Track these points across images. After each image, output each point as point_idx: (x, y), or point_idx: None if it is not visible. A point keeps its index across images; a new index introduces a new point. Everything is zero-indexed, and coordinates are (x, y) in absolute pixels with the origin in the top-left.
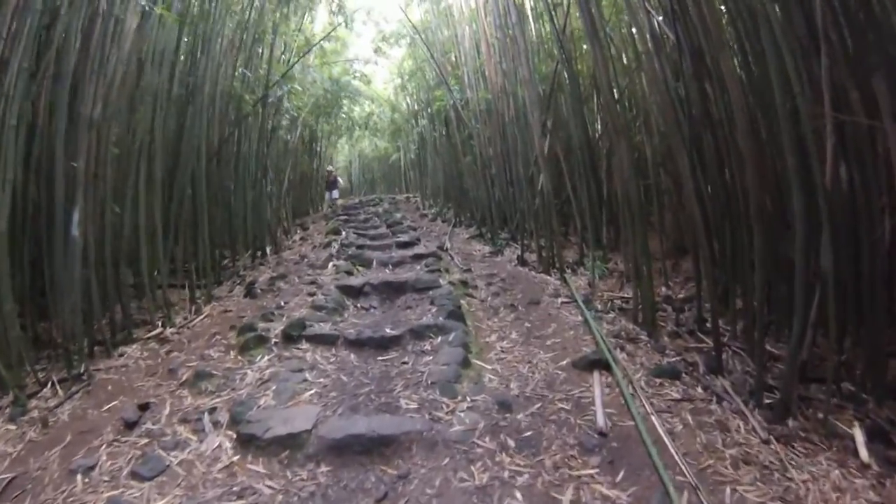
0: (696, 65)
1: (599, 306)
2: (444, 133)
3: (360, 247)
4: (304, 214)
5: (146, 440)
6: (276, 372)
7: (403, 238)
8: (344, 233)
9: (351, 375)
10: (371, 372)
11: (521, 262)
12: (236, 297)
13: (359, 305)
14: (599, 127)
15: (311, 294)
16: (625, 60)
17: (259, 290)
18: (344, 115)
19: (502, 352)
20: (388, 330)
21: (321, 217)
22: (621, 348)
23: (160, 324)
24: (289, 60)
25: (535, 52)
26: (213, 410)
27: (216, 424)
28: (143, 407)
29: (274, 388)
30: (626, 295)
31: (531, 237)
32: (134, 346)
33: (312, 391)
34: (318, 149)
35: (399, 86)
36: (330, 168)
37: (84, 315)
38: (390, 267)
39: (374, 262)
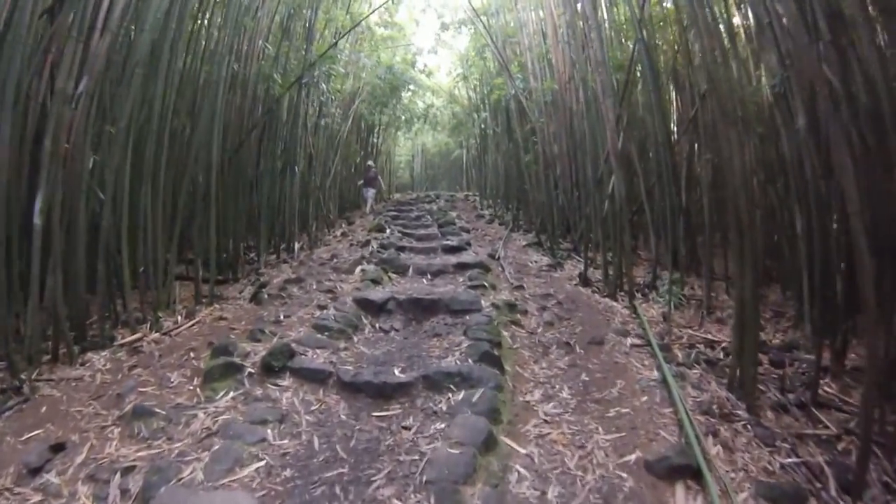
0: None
1: (679, 354)
2: (505, 127)
3: (400, 248)
4: (356, 207)
5: (38, 498)
6: (230, 421)
7: (452, 241)
8: (388, 230)
9: (327, 441)
10: (356, 438)
11: (584, 280)
12: (242, 301)
13: (377, 326)
14: (675, 127)
15: (323, 307)
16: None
17: (267, 296)
18: (402, 107)
19: (545, 422)
20: (396, 372)
21: (372, 212)
22: (714, 434)
23: (149, 326)
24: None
25: (607, 41)
26: (129, 471)
27: (124, 495)
28: (57, 448)
29: (216, 447)
30: (709, 336)
31: (596, 250)
32: (103, 354)
33: (262, 464)
34: (375, 140)
35: (460, 76)
36: (370, 163)
37: (51, 313)
38: (428, 277)
39: (411, 270)
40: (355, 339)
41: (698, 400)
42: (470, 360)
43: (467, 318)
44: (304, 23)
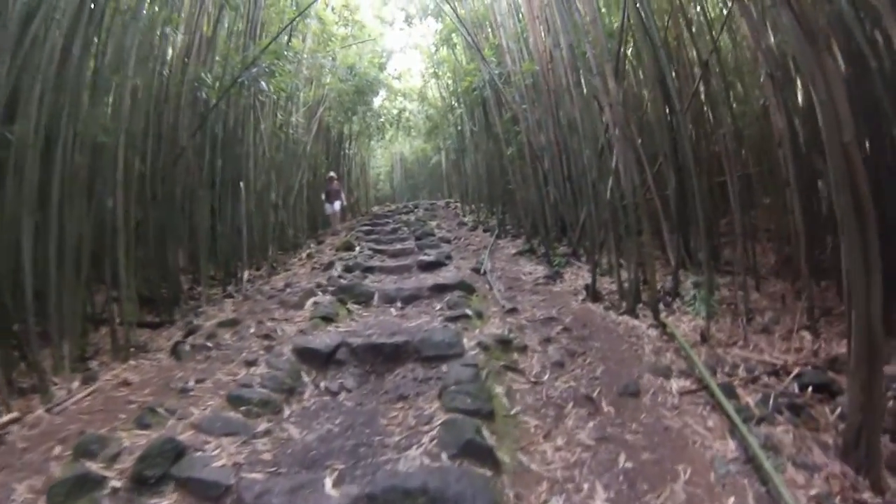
0: None
1: (748, 398)
2: (482, 123)
3: (367, 270)
4: (329, 225)
5: None
6: None
7: (430, 256)
8: (358, 248)
9: None
10: None
11: (592, 294)
12: (163, 355)
13: (322, 387)
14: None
15: (251, 362)
16: None
17: (189, 347)
18: (373, 113)
19: None
20: (327, 486)
21: (346, 227)
22: None
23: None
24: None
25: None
26: None
27: None
28: None
29: None
30: (766, 357)
31: (600, 252)
32: None
33: None
34: (346, 151)
35: (430, 73)
36: (331, 174)
37: None
38: (398, 305)
39: (376, 297)
40: (286, 411)
41: (812, 493)
42: (445, 456)
43: (444, 368)
44: (245, 20)
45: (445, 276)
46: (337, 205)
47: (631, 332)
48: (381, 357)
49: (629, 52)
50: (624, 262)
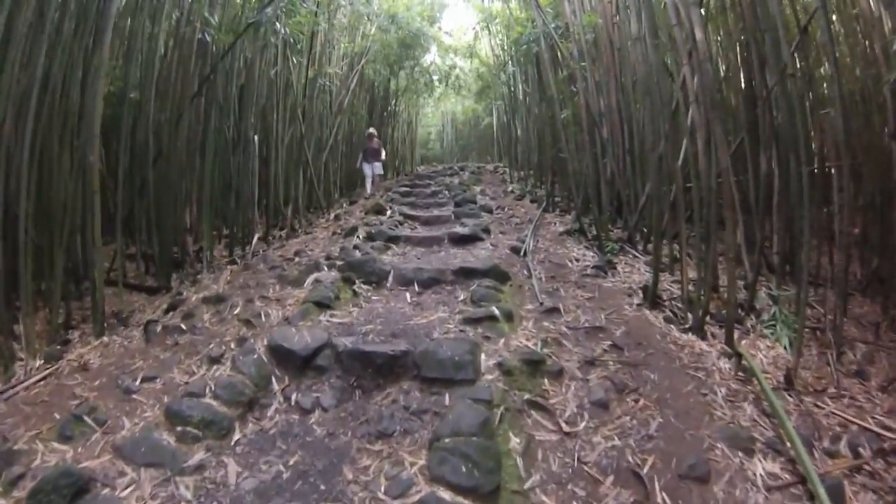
0: None
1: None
2: (535, 83)
3: (392, 239)
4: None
5: None
6: None
7: (465, 228)
8: (389, 212)
9: None
10: None
11: (651, 298)
12: (138, 332)
13: (292, 401)
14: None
15: (216, 359)
16: None
17: (160, 328)
18: (421, 69)
19: None
20: None
21: (384, 188)
22: None
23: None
24: None
25: None
26: None
27: None
28: None
29: None
30: (870, 423)
31: (659, 241)
32: None
33: None
34: (393, 108)
35: (481, 25)
36: (371, 130)
37: None
38: (414, 290)
39: (391, 278)
40: (236, 435)
41: None
42: None
43: (447, 399)
44: None
45: (479, 254)
46: (378, 166)
47: (698, 360)
48: (372, 369)
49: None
50: (692, 260)
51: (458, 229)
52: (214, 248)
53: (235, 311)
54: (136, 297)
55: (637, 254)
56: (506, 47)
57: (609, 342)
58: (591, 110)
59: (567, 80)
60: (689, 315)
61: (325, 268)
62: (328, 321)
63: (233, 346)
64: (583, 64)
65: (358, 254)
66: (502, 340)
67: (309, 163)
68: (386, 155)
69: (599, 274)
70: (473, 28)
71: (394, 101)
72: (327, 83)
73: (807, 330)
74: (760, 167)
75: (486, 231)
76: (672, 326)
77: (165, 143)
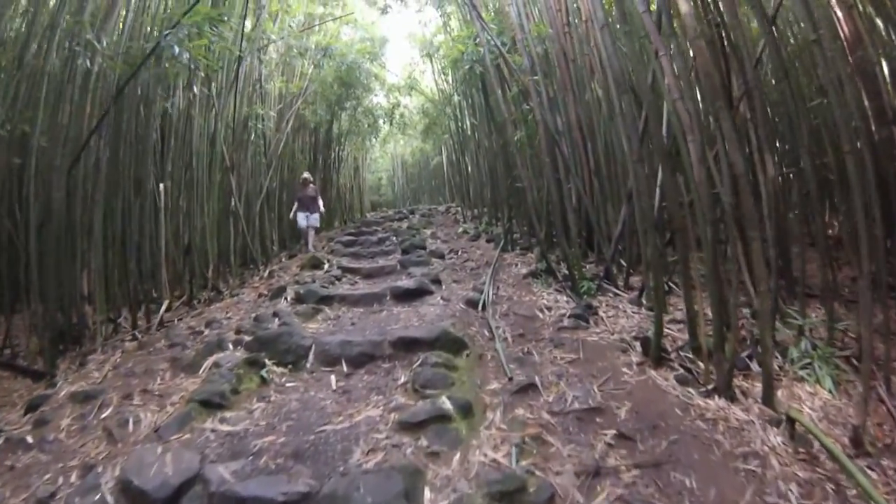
0: None
1: None
2: (482, 108)
3: (324, 300)
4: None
5: None
6: None
7: (411, 280)
8: (327, 265)
9: None
10: None
11: (655, 353)
12: None
13: None
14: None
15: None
16: None
17: (2, 441)
18: (364, 109)
19: None
20: None
21: (325, 238)
22: None
23: None
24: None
25: None
26: None
27: None
28: None
29: None
30: None
31: (646, 273)
32: None
33: None
34: (337, 152)
35: (423, 55)
36: (306, 175)
37: None
38: (341, 372)
39: (311, 356)
40: None
41: None
42: None
43: None
44: None
45: (427, 313)
46: (314, 218)
47: (740, 439)
48: None
49: None
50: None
51: (403, 282)
52: (120, 318)
53: (104, 415)
54: (17, 384)
55: (618, 291)
56: (450, 80)
57: (613, 430)
58: (549, 127)
59: (518, 98)
60: (713, 372)
61: (231, 346)
62: (213, 432)
63: (73, 478)
64: (535, 77)
65: (275, 324)
66: (457, 456)
67: (240, 215)
68: (323, 204)
69: (580, 324)
70: (413, 61)
71: (337, 146)
72: (260, 126)
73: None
74: (767, 169)
75: (437, 281)
76: (690, 391)
77: (55, 195)
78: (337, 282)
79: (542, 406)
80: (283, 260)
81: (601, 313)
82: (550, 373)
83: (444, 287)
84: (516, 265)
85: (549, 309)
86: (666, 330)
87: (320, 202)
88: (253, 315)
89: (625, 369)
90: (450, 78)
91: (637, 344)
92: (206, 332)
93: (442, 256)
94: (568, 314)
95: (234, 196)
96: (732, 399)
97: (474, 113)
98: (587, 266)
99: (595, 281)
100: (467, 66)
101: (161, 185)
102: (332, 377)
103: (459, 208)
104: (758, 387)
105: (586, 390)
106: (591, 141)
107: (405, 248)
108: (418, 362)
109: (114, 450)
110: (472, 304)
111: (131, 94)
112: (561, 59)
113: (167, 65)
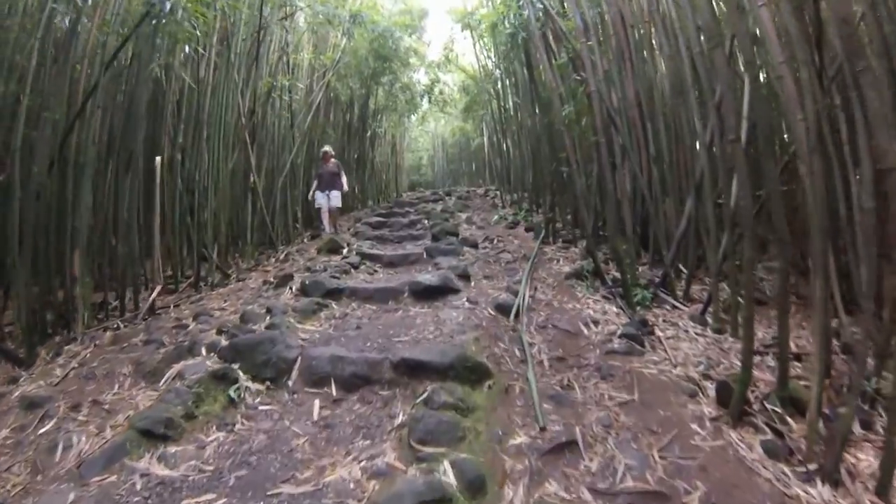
0: None
1: None
2: (525, 83)
3: (330, 294)
4: (350, 209)
5: None
6: None
7: (434, 276)
8: (346, 250)
9: None
10: None
11: (737, 406)
12: None
13: None
14: None
15: None
16: None
17: None
18: (402, 85)
19: None
20: None
21: (352, 218)
22: None
23: None
24: None
25: None
26: None
27: None
28: None
29: None
30: None
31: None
32: None
33: None
34: (373, 129)
35: (464, 25)
36: (327, 149)
37: None
38: (330, 394)
39: (296, 371)
40: None
41: None
42: None
43: None
44: None
45: (447, 319)
46: (335, 196)
47: None
48: None
49: None
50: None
51: (426, 277)
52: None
53: (43, 430)
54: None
55: (676, 302)
56: (492, 55)
57: None
58: (605, 101)
59: (568, 67)
60: (811, 437)
61: (204, 350)
62: (145, 476)
63: None
64: (588, 42)
65: (264, 323)
66: None
67: (258, 192)
68: (346, 182)
69: (633, 347)
70: (453, 35)
71: (373, 122)
72: (285, 98)
73: None
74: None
75: (465, 277)
76: (784, 470)
77: (42, 166)
78: (353, 270)
79: (583, 477)
80: (305, 241)
81: (658, 332)
82: (596, 420)
83: (472, 284)
84: (558, 261)
85: (596, 323)
86: (735, 361)
87: (343, 179)
88: (282, 299)
89: (694, 425)
90: (492, 53)
91: (709, 386)
92: (191, 326)
93: (475, 245)
94: (619, 332)
95: (252, 172)
96: (836, 484)
97: (517, 90)
98: (639, 268)
99: (650, 288)
100: (509, 31)
101: (157, 159)
102: (317, 403)
103: (499, 192)
104: (865, 461)
105: (643, 457)
106: (652, 121)
107: (436, 234)
108: (423, 395)
109: (31, 484)
110: (503, 309)
111: (133, 61)
112: (618, 23)
113: (165, 26)
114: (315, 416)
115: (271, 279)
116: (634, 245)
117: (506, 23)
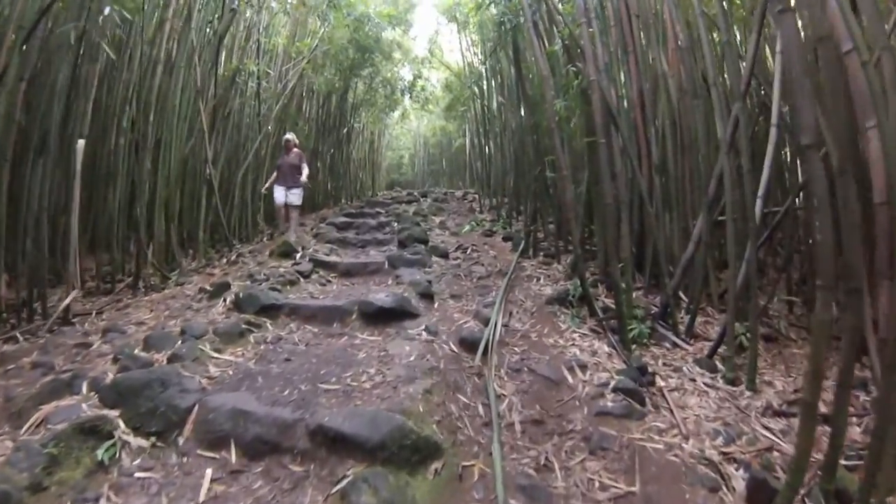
0: None
1: None
2: (511, 78)
3: (265, 311)
4: (320, 207)
5: None
6: None
7: (387, 295)
8: (299, 254)
9: None
10: None
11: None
12: None
13: None
14: None
15: None
16: None
17: None
18: (382, 80)
19: None
20: None
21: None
22: None
23: None
24: None
25: None
26: None
27: None
28: None
29: None
30: None
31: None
32: None
33: None
34: (350, 124)
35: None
36: (289, 136)
37: None
38: (228, 461)
39: (190, 425)
40: None
41: None
42: None
43: None
44: None
45: (397, 355)
46: (294, 194)
47: None
48: None
49: None
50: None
51: (378, 297)
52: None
53: None
54: None
55: (679, 340)
56: (478, 53)
57: None
58: (606, 97)
59: (562, 55)
60: None
61: (84, 388)
62: None
63: None
64: (591, 30)
65: (167, 352)
66: None
67: (213, 185)
68: (306, 176)
69: (631, 407)
70: (439, 28)
71: (352, 117)
72: (252, 85)
73: None
74: None
75: (428, 296)
76: None
77: None
78: (302, 280)
79: None
80: (265, 240)
81: (660, 380)
82: None
83: (436, 305)
84: (538, 279)
85: (584, 367)
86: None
87: (305, 171)
88: (167, 325)
89: None
90: (478, 50)
91: (733, 473)
92: (95, 345)
93: (445, 255)
94: (612, 385)
95: (208, 163)
96: None
97: (503, 90)
98: (635, 292)
99: (646, 321)
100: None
101: (79, 143)
102: (208, 473)
103: (477, 196)
104: None
105: None
106: (656, 124)
107: (402, 240)
108: (341, 483)
109: None
110: (468, 345)
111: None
112: (622, 10)
113: None
114: (202, 496)
115: (209, 286)
116: (631, 264)
117: (493, 8)
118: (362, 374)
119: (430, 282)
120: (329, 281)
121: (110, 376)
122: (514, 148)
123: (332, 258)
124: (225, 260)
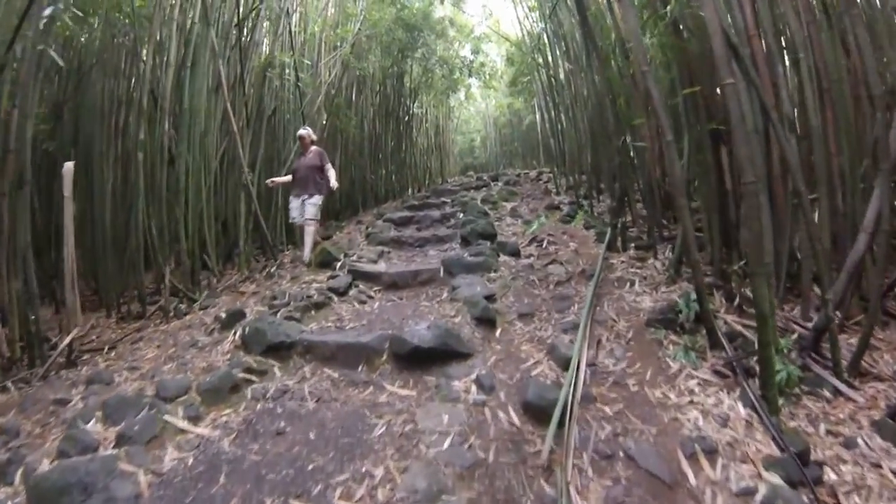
0: None
1: None
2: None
3: (273, 351)
4: (383, 201)
5: None
6: None
7: (432, 329)
8: (340, 263)
9: None
10: None
11: None
12: None
13: None
14: None
15: None
16: None
17: None
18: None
19: None
20: None
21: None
22: None
23: None
24: None
25: None
26: None
27: None
28: None
29: None
30: None
31: None
32: None
33: None
34: (410, 110)
35: None
36: (303, 131)
37: None
38: None
39: None
40: None
41: None
42: None
43: None
44: None
45: (428, 434)
46: (311, 205)
47: None
48: None
49: None
50: None
51: (416, 332)
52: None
53: None
54: None
55: (839, 383)
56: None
57: None
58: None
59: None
60: None
61: (17, 478)
62: None
63: None
64: None
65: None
66: None
67: (251, 191)
68: (334, 180)
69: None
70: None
71: (412, 101)
72: (287, 77)
73: None
74: None
75: (487, 322)
76: None
77: None
78: (336, 298)
79: None
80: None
81: (829, 473)
82: None
83: (497, 333)
84: (631, 283)
85: (711, 450)
86: None
87: (331, 174)
88: (112, 394)
89: None
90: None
91: None
92: (74, 401)
93: (516, 253)
94: (761, 494)
95: (244, 166)
96: None
97: (568, 55)
98: (785, 311)
99: (793, 353)
100: None
101: (67, 166)
102: None
103: (552, 175)
104: None
105: None
106: (783, 62)
107: (465, 236)
108: None
109: None
110: (535, 413)
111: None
112: None
113: None
114: None
115: (224, 314)
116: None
117: None
118: (364, 476)
119: (492, 296)
120: (370, 297)
121: (45, 464)
122: (589, 118)
123: (378, 267)
124: (266, 271)
